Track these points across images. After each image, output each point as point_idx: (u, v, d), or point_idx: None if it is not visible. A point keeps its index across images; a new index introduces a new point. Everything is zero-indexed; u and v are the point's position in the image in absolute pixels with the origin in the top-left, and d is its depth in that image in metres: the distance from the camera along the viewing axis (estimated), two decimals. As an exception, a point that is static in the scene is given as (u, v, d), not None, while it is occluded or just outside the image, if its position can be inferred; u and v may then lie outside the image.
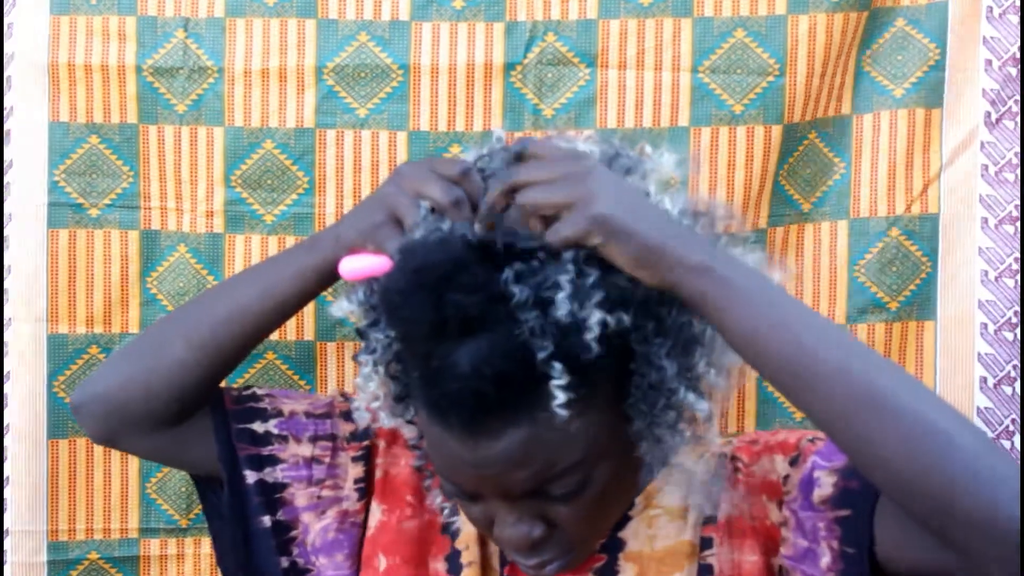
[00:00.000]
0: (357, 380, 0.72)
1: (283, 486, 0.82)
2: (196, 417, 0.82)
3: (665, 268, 0.63)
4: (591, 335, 0.62)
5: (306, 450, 0.82)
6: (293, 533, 0.82)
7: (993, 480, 0.57)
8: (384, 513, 0.82)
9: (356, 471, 0.83)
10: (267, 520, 0.81)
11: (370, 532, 0.82)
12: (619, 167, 0.68)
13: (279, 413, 0.84)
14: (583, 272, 0.63)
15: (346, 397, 0.87)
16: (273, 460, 0.82)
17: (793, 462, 0.74)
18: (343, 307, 0.71)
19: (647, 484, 0.77)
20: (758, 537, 0.74)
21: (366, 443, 0.84)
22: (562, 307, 0.62)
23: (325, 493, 0.83)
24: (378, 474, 0.83)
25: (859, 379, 0.61)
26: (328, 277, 0.76)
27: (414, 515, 0.81)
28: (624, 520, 0.77)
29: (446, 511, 0.80)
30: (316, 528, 0.82)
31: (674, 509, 0.77)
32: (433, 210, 0.68)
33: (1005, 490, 0.57)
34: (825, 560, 0.70)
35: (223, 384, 0.84)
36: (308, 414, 0.84)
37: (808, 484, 0.71)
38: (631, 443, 0.69)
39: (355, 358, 0.72)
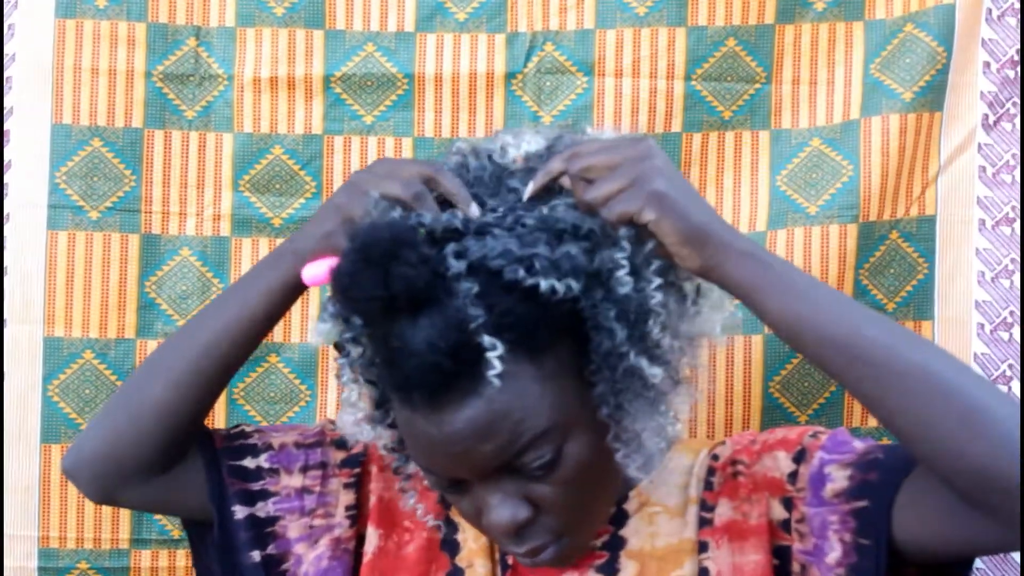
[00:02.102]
0: (342, 396, 0.78)
1: (275, 519, 0.87)
2: (187, 460, 0.87)
3: (711, 250, 0.70)
4: (534, 301, 0.69)
5: (297, 481, 0.88)
6: (284, 566, 0.87)
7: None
8: (381, 538, 0.88)
9: (347, 498, 0.89)
10: (256, 555, 0.86)
11: (368, 558, 0.87)
12: (563, 146, 0.77)
13: (269, 447, 0.89)
14: (529, 242, 0.70)
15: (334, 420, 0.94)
16: (265, 495, 0.87)
17: (798, 459, 0.78)
18: (321, 330, 0.77)
19: (642, 481, 0.82)
20: (762, 536, 0.78)
21: (357, 470, 0.90)
22: (507, 274, 0.68)
23: (317, 522, 0.88)
24: (372, 499, 0.89)
25: (905, 355, 0.68)
26: (293, 291, 0.81)
27: (412, 538, 0.87)
28: (623, 517, 0.82)
29: (441, 527, 0.85)
30: (309, 558, 0.87)
31: (672, 506, 0.82)
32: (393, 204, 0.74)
33: None
34: (834, 555, 0.74)
35: (211, 425, 0.91)
36: (298, 444, 0.90)
37: (818, 479, 0.76)
38: (598, 413, 0.74)
39: (337, 375, 0.78)
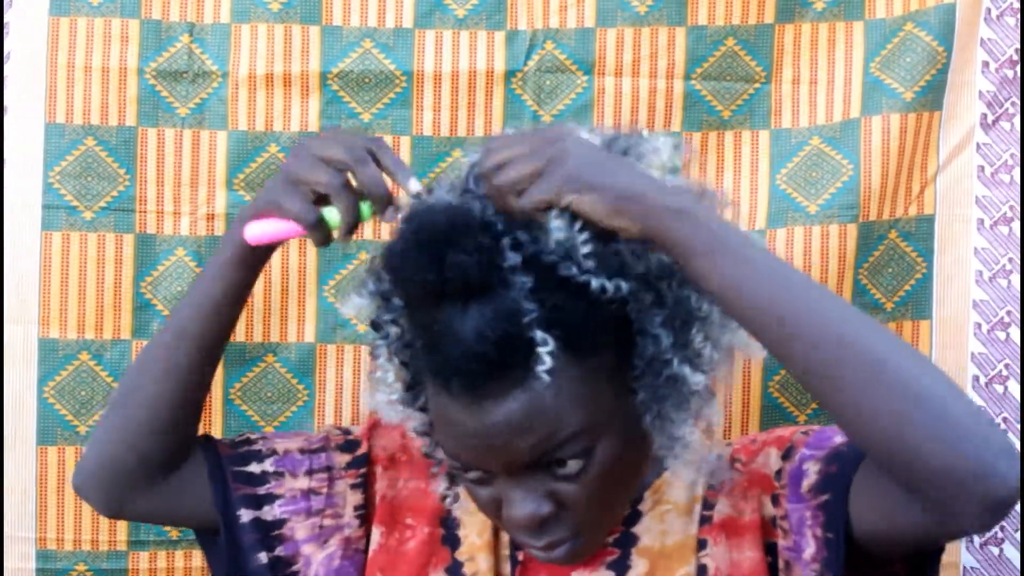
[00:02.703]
0: (375, 375, 0.80)
1: (282, 522, 0.89)
2: (192, 467, 0.89)
3: (642, 213, 0.68)
4: (585, 300, 0.71)
5: (303, 483, 0.90)
6: (294, 568, 0.89)
7: (988, 448, 0.62)
8: (383, 536, 0.90)
9: (355, 498, 0.91)
10: (263, 557, 0.88)
11: (370, 555, 0.89)
12: (617, 148, 0.77)
13: (274, 452, 0.91)
14: (583, 240, 0.70)
15: (342, 430, 0.96)
16: (270, 498, 0.89)
17: (786, 455, 0.80)
18: (354, 303, 0.79)
19: (657, 478, 0.85)
20: (756, 532, 0.81)
21: (363, 470, 0.92)
22: (560, 270, 0.70)
23: (326, 522, 0.90)
24: (377, 499, 0.91)
25: (847, 332, 0.65)
26: (244, 261, 0.84)
27: (413, 535, 0.89)
28: (636, 515, 0.84)
29: (448, 500, 0.87)
30: (319, 558, 0.89)
31: (682, 504, 0.84)
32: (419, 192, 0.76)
33: (1000, 460, 0.62)
34: (809, 551, 0.75)
35: (209, 428, 0.95)
36: (303, 450, 0.92)
37: (797, 475, 0.77)
38: (636, 421, 0.76)
39: (372, 353, 0.80)
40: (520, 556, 0.85)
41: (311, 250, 1.13)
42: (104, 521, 1.11)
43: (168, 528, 1.11)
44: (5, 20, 1.10)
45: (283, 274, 1.12)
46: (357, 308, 0.79)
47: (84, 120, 1.11)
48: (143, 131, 1.12)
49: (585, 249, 0.70)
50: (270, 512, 0.89)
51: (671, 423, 0.75)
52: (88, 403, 1.11)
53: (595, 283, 0.70)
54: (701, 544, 0.81)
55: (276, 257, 1.11)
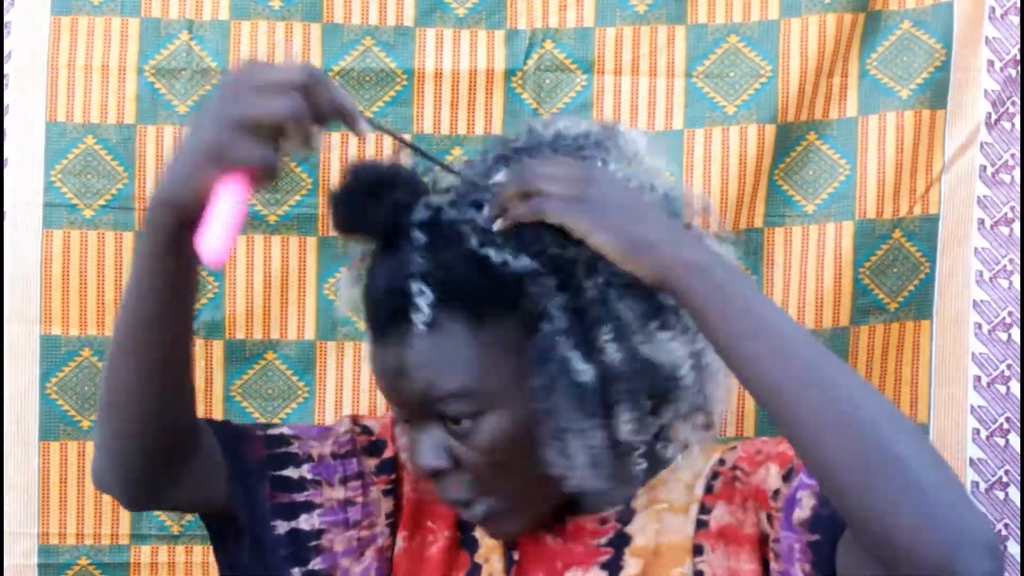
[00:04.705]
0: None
1: (320, 532, 0.89)
2: (205, 453, 0.86)
3: (657, 264, 0.72)
4: (483, 268, 0.76)
5: (339, 493, 0.90)
6: None
7: (970, 544, 0.60)
8: (405, 540, 0.92)
9: (387, 505, 0.92)
10: (297, 572, 0.87)
11: (394, 559, 0.91)
12: (592, 140, 0.82)
13: (310, 457, 0.90)
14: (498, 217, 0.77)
15: (362, 427, 0.96)
16: (309, 506, 0.88)
17: (786, 477, 0.79)
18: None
19: (653, 476, 0.85)
20: (755, 545, 0.80)
21: (393, 475, 0.93)
22: (465, 240, 0.76)
23: (363, 534, 0.91)
24: (404, 503, 0.93)
25: (850, 411, 0.64)
26: (167, 242, 0.70)
27: (435, 540, 0.90)
28: (630, 513, 0.85)
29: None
30: (356, 571, 0.90)
31: (678, 504, 0.84)
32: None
33: (979, 558, 0.60)
34: None
35: (247, 423, 0.96)
36: (334, 455, 0.91)
37: (791, 503, 0.76)
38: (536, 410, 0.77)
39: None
40: (515, 555, 0.87)
41: (312, 248, 1.15)
42: (106, 515, 1.14)
43: (169, 523, 1.15)
44: (7, 20, 1.13)
45: (283, 271, 1.15)
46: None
47: (84, 119, 1.14)
48: (142, 129, 1.14)
49: (497, 224, 0.77)
50: (308, 521, 0.88)
51: (561, 417, 0.76)
52: (90, 399, 1.14)
53: (495, 255, 0.76)
54: (697, 550, 0.81)
55: (276, 254, 1.15)
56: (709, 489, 0.83)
